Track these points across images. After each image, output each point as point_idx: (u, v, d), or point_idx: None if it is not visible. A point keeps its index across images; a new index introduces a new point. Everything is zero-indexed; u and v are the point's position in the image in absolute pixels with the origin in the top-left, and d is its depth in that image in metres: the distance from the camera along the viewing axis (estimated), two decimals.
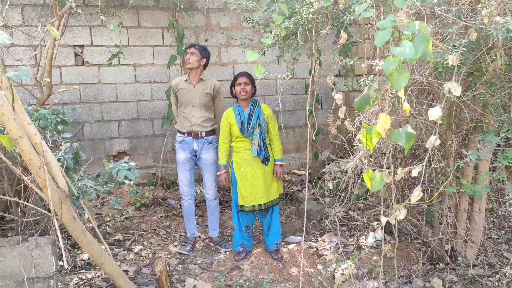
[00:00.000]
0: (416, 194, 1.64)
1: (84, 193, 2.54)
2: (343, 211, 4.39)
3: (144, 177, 5.16)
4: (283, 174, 3.70)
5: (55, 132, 2.76)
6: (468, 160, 2.25)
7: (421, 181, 1.79)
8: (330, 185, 2.20)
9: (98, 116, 5.05)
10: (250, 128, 3.56)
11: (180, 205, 4.88)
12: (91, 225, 3.29)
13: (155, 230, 4.27)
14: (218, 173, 3.74)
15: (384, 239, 3.83)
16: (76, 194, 2.44)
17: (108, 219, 4.43)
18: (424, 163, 1.77)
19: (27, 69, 1.95)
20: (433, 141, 1.72)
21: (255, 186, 3.58)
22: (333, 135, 2.57)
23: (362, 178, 3.29)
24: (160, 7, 5.08)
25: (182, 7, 4.92)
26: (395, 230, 2.74)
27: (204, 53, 3.81)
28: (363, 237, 3.96)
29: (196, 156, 3.89)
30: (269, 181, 3.64)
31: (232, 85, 3.69)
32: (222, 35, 5.37)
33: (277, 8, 2.02)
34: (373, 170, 1.88)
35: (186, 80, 3.85)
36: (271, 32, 2.80)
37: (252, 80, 3.64)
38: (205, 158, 3.88)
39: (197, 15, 5.25)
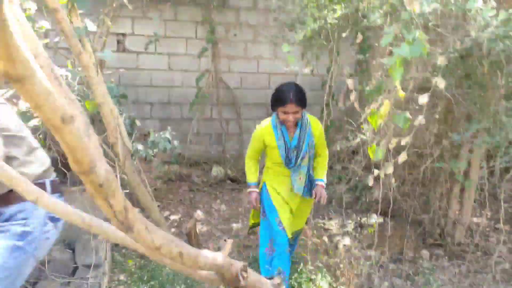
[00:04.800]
0: (402, 157, 2.16)
1: (137, 153, 3.10)
2: (349, 197, 4.89)
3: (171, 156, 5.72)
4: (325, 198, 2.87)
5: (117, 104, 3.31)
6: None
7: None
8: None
9: (134, 98, 5.61)
10: (298, 159, 2.80)
11: (202, 181, 5.45)
12: None
13: (181, 200, 4.82)
14: (249, 190, 3.01)
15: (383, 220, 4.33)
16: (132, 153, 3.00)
17: None
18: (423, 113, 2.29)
19: (111, 52, 2.50)
20: (426, 98, 2.24)
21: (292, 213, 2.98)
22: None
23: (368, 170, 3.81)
24: (196, 3, 5.63)
25: (215, 4, 5.46)
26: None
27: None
28: (365, 218, 4.47)
29: None
30: (301, 212, 3.06)
31: (273, 105, 2.81)
32: (250, 32, 5.90)
33: (309, 12, 2.54)
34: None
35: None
36: (296, 32, 3.32)
37: (303, 102, 2.77)
38: None
39: (228, 12, 5.78)
